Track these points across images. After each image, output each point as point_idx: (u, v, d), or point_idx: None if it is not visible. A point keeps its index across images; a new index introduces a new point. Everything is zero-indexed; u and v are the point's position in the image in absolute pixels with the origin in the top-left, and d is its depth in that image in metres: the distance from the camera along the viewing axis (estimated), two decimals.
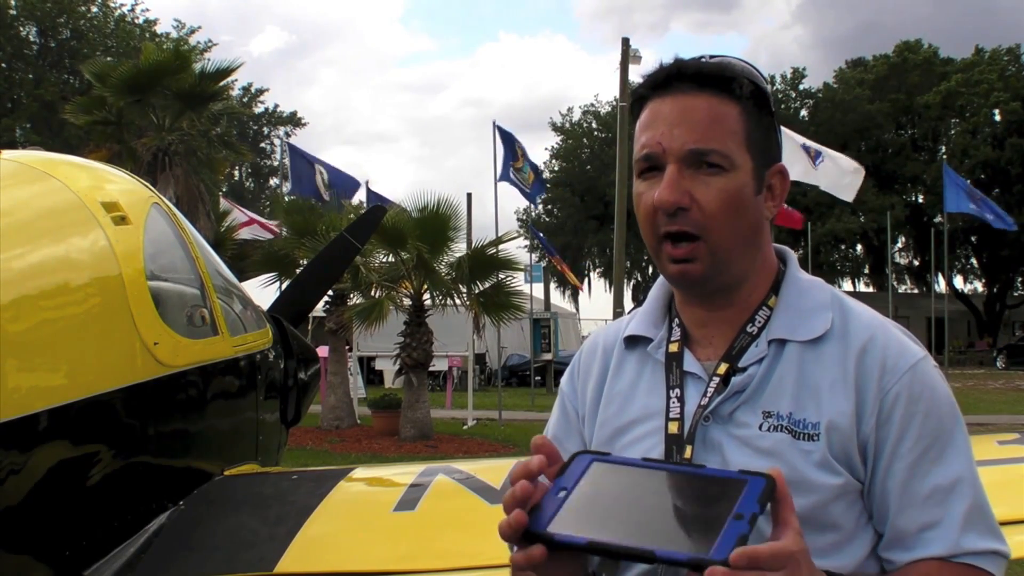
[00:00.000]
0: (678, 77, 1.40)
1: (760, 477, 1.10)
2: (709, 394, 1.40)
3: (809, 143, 17.89)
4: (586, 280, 47.91)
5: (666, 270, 1.43)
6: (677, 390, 1.43)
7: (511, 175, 19.40)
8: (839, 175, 18.20)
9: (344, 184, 21.05)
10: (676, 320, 1.50)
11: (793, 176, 17.54)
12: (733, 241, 1.40)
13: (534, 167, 21.04)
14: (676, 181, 1.37)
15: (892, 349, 1.39)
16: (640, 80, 1.50)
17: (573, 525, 1.11)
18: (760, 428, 1.36)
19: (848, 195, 18.82)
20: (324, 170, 20.94)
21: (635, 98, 1.47)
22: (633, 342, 1.53)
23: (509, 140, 19.33)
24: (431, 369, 15.59)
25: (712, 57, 1.44)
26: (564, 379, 1.64)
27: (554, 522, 1.12)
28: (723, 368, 1.41)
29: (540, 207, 45.95)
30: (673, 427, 1.40)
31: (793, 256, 1.53)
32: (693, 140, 1.37)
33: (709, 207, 1.37)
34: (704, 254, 1.38)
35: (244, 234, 19.78)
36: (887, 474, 1.35)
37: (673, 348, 1.47)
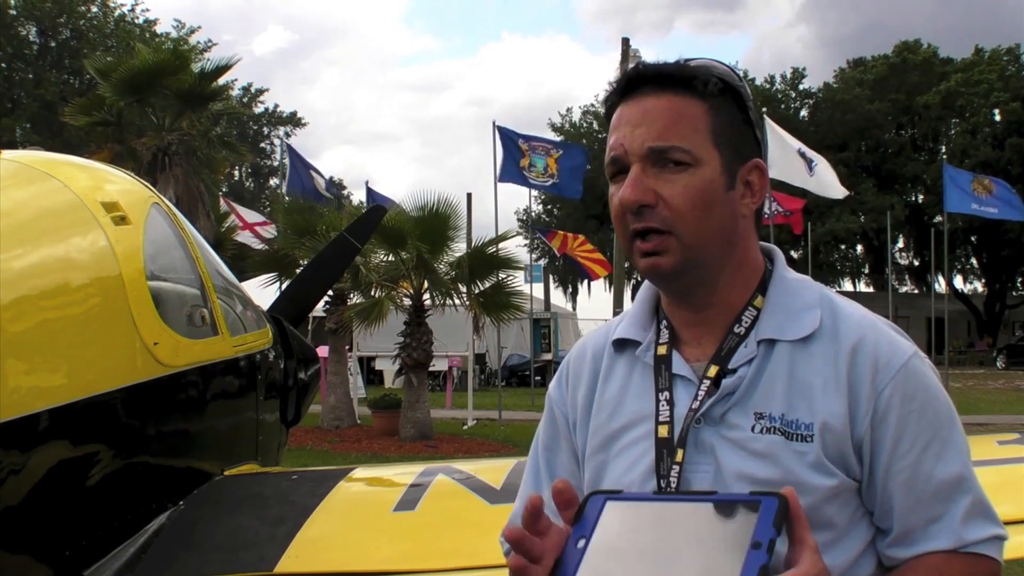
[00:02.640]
0: (639, 81, 1.42)
1: (772, 497, 1.10)
2: (700, 397, 1.40)
3: (804, 149, 17.93)
4: (586, 280, 47.90)
5: (638, 265, 1.43)
6: (666, 393, 1.43)
7: (520, 175, 19.03)
8: (829, 177, 18.32)
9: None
10: (664, 322, 1.50)
11: (791, 180, 17.64)
12: (704, 236, 1.40)
13: (553, 147, 20.01)
14: (639, 180, 1.38)
15: (883, 348, 1.39)
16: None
17: None
18: (752, 430, 1.37)
19: (838, 192, 18.86)
20: (322, 178, 20.91)
21: (607, 107, 1.48)
22: (621, 346, 1.53)
23: (511, 141, 19.04)
24: (431, 369, 15.59)
25: (688, 60, 1.45)
26: (552, 386, 1.64)
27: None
28: (713, 370, 1.41)
29: (540, 207, 45.95)
30: (663, 431, 1.40)
31: (780, 255, 1.52)
32: (652, 138, 1.38)
33: (675, 203, 1.37)
34: (675, 248, 1.38)
35: (243, 237, 19.83)
36: (888, 474, 1.36)
37: (661, 351, 1.47)
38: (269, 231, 19.45)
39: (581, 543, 1.14)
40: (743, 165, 1.44)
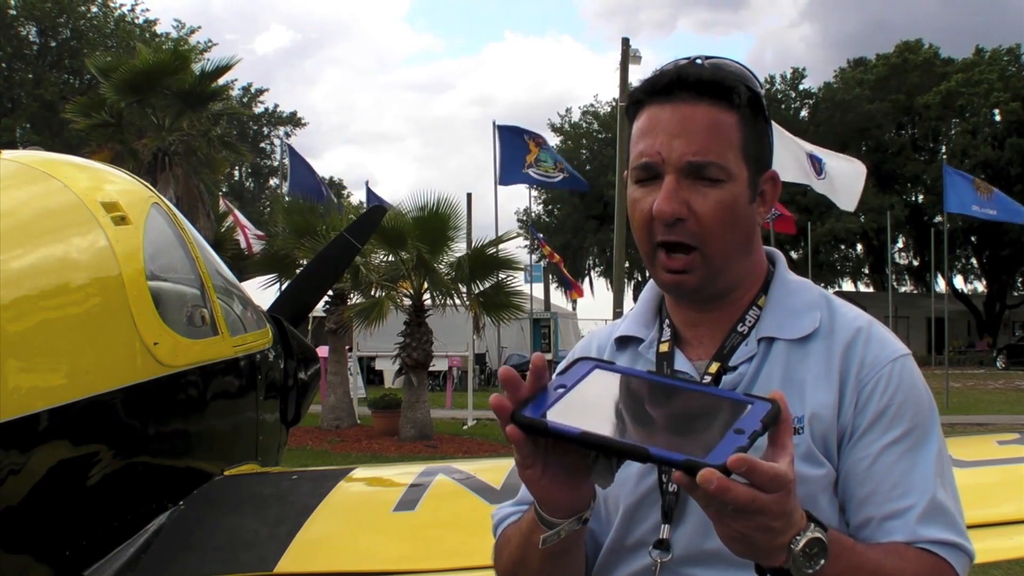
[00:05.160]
0: (678, 85, 1.40)
1: (765, 401, 1.09)
2: None
3: (816, 152, 17.83)
4: (586, 280, 47.89)
5: (660, 278, 1.44)
6: None
7: (529, 172, 18.77)
8: (843, 183, 18.18)
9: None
10: (667, 321, 1.52)
11: (799, 179, 17.57)
12: (728, 251, 1.41)
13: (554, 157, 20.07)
14: (674, 192, 1.37)
15: (874, 344, 1.41)
16: (639, 81, 1.50)
17: (567, 417, 1.10)
18: None
19: (850, 203, 18.71)
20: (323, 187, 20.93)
21: (632, 101, 1.46)
22: (624, 343, 1.54)
23: (516, 137, 18.75)
24: (431, 369, 15.58)
25: (708, 59, 1.44)
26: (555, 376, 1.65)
27: (550, 412, 1.11)
28: (714, 367, 1.42)
29: (540, 207, 45.97)
30: None
31: (782, 257, 1.55)
32: (692, 152, 1.37)
33: (706, 218, 1.38)
34: (699, 265, 1.40)
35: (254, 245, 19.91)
36: (853, 458, 1.36)
37: (664, 348, 1.48)
38: (256, 240, 19.59)
39: (560, 390, 1.15)
40: (761, 176, 1.45)
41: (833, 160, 18.05)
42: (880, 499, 1.34)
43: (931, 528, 1.32)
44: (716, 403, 1.11)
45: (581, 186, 21.06)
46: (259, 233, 20.92)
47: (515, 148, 18.59)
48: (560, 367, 1.20)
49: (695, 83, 1.40)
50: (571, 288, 29.58)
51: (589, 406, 1.12)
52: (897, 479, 1.34)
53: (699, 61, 1.44)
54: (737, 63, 1.46)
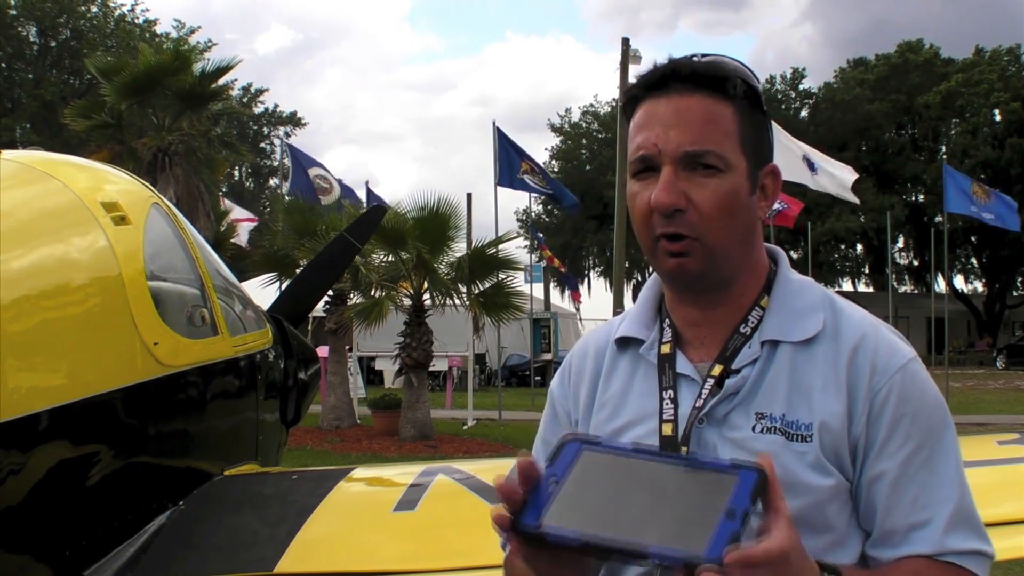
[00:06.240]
0: (673, 77, 1.40)
1: (751, 471, 1.11)
2: (704, 396, 1.40)
3: (808, 153, 17.94)
4: (586, 280, 47.91)
5: (663, 265, 1.41)
6: (670, 392, 1.43)
7: (523, 178, 19.10)
8: (836, 184, 18.37)
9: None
10: (667, 321, 1.50)
11: (798, 179, 17.66)
12: (728, 242, 1.40)
13: (542, 171, 20.61)
14: (672, 183, 1.36)
15: (882, 349, 1.39)
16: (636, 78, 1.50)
17: (565, 519, 1.11)
18: (753, 430, 1.37)
19: (850, 196, 18.94)
20: (332, 179, 20.93)
21: (628, 98, 1.46)
22: (625, 344, 1.53)
23: (511, 149, 19.09)
24: (431, 369, 15.58)
25: (704, 56, 1.44)
26: (554, 382, 1.63)
27: (546, 516, 1.12)
28: (717, 370, 1.41)
29: (540, 207, 45.98)
30: (667, 429, 1.40)
31: (784, 256, 1.53)
32: (688, 142, 1.36)
33: (705, 208, 1.37)
34: (699, 251, 1.38)
35: (242, 233, 19.93)
36: (875, 473, 1.36)
37: (665, 349, 1.47)
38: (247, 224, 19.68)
39: (552, 483, 1.15)
40: (761, 169, 1.44)
41: (825, 164, 18.23)
42: (905, 510, 1.34)
43: (957, 537, 1.32)
44: (705, 480, 1.12)
45: (569, 202, 21.43)
46: (251, 217, 20.96)
47: (511, 154, 18.83)
48: (550, 453, 1.20)
49: (689, 75, 1.39)
50: (574, 290, 29.78)
51: (583, 501, 1.13)
52: (918, 490, 1.34)
53: (696, 58, 1.43)
54: (735, 60, 1.45)
